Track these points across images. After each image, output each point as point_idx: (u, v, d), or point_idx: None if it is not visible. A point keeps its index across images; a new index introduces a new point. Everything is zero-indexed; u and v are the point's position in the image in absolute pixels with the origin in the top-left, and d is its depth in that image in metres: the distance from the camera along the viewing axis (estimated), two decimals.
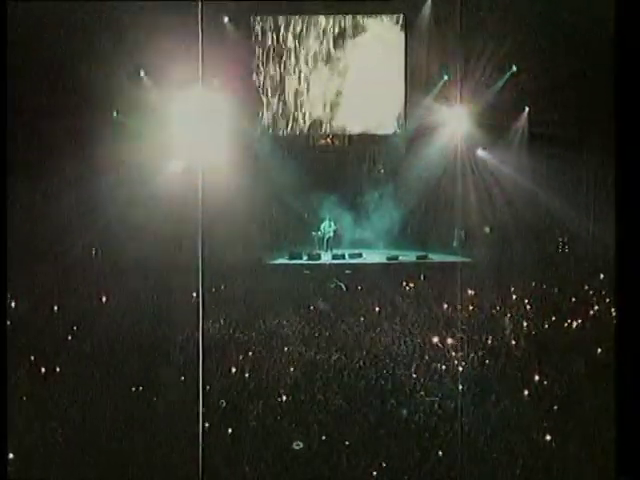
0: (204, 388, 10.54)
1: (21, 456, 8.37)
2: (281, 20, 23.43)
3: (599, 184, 21.32)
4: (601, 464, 7.99)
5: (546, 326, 14.01)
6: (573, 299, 15.97)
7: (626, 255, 6.35)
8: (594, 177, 21.69)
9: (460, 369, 11.47)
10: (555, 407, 9.93)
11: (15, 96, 10.92)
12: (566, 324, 14.04)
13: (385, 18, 23.33)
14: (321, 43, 23.53)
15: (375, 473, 8.30)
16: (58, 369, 11.51)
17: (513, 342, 12.87)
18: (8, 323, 13.02)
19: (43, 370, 11.46)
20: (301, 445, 9.35)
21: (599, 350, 12.09)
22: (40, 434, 9.21)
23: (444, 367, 11.49)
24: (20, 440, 8.72)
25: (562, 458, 8.55)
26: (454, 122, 22.41)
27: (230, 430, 9.23)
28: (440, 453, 8.58)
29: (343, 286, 17.96)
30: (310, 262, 21.47)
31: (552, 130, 21.38)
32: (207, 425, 9.29)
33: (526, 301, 15.84)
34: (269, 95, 23.78)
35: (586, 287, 17.03)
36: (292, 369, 11.56)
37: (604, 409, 9.34)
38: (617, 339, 6.52)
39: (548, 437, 9.00)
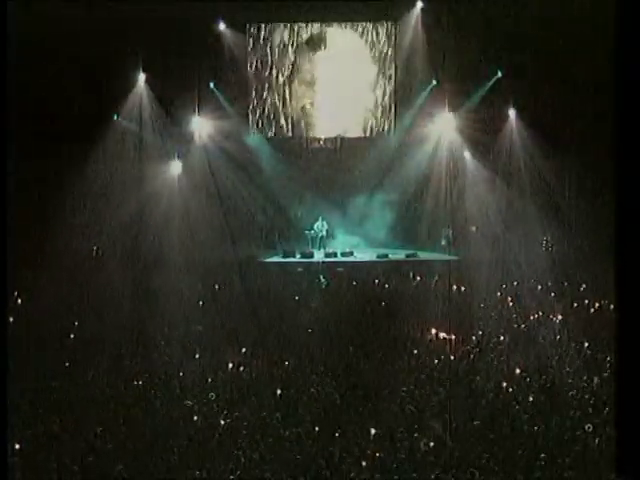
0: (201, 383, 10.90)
1: None
2: (276, 27, 23.86)
3: (583, 186, 21.68)
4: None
5: (530, 322, 14.42)
6: (557, 296, 16.41)
7: (626, 255, 6.26)
8: (578, 179, 22.05)
9: (449, 362, 11.73)
10: (539, 399, 10.17)
11: (18, 98, 11.21)
12: (549, 319, 14.45)
13: (376, 25, 23.82)
14: (312, 50, 23.95)
15: (366, 463, 8.30)
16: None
17: (499, 337, 13.22)
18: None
19: None
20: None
21: (584, 344, 12.46)
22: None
23: (434, 360, 11.79)
24: None
25: (548, 448, 8.63)
26: (442, 125, 22.86)
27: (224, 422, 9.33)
28: (431, 444, 8.64)
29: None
30: (303, 260, 21.86)
31: (538, 133, 21.78)
32: (202, 418, 9.47)
33: (510, 298, 16.32)
34: (264, 98, 24.12)
35: (566, 284, 17.54)
36: (286, 363, 11.86)
37: (590, 401, 9.91)
38: (617, 339, 6.42)
39: (534, 427, 9.10)
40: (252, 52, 23.89)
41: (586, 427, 8.95)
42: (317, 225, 23.24)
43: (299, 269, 20.62)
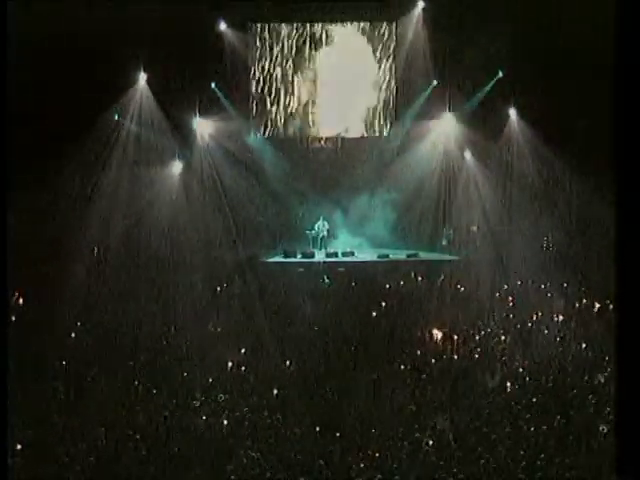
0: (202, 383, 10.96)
1: None
2: (277, 27, 23.85)
3: (582, 185, 21.71)
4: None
5: (532, 321, 14.48)
6: (557, 296, 16.36)
7: (626, 255, 6.26)
8: (578, 178, 22.05)
9: (450, 361, 11.86)
10: (539, 396, 10.28)
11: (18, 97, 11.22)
12: (550, 319, 14.50)
13: (377, 24, 23.82)
14: (313, 49, 23.92)
15: (366, 463, 8.36)
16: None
17: (500, 337, 13.30)
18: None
19: None
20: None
21: (583, 345, 12.56)
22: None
23: (434, 360, 11.88)
24: None
25: (548, 445, 8.71)
26: (443, 125, 22.89)
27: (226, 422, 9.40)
28: (430, 442, 8.73)
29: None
30: (304, 260, 21.83)
31: (539, 133, 21.79)
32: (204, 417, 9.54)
33: (510, 298, 16.36)
34: (265, 98, 24.11)
35: (565, 284, 17.44)
36: (287, 363, 11.90)
37: (588, 399, 10.03)
38: (617, 339, 6.43)
39: (533, 426, 9.14)
40: (253, 52, 23.90)
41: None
42: (318, 225, 23.17)
43: (300, 269, 20.59)
